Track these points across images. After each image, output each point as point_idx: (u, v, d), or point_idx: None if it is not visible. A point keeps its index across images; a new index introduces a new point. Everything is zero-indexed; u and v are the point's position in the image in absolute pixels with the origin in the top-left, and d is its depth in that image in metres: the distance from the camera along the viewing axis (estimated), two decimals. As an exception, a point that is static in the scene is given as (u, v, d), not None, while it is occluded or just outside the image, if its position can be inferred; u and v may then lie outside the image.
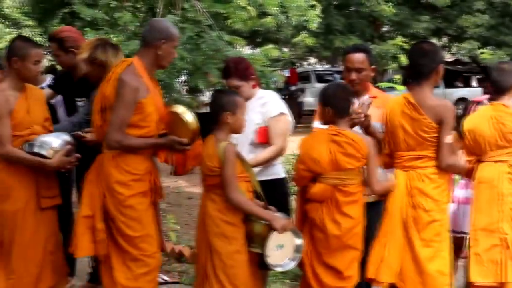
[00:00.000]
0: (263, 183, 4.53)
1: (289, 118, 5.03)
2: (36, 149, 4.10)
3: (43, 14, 16.70)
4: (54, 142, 4.14)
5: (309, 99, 24.83)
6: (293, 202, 5.10)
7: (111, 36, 8.20)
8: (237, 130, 4.20)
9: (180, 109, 4.21)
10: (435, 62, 4.50)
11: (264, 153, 4.88)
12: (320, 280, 4.33)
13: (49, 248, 4.31)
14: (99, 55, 4.60)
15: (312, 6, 9.27)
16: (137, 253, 3.95)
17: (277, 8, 8.87)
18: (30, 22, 16.12)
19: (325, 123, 4.53)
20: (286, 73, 26.32)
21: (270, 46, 27.39)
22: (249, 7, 8.17)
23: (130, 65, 4.01)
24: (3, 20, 17.24)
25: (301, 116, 22.84)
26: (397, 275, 4.29)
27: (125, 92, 3.86)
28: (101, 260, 4.06)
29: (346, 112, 4.46)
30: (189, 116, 4.14)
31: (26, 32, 15.50)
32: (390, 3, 22.51)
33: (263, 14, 9.86)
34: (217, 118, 4.13)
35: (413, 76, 4.53)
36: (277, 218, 4.16)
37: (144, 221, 3.99)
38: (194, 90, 9.98)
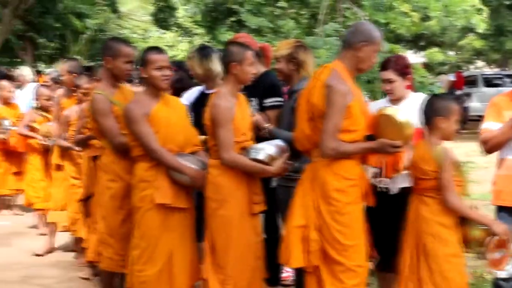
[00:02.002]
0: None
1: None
2: (254, 155, 4.05)
3: (212, 22, 17.65)
4: (270, 149, 4.08)
5: (476, 104, 23.66)
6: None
7: (274, 43, 8.47)
8: (448, 136, 4.07)
9: (390, 110, 4.03)
10: None
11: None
12: None
13: (257, 254, 4.20)
14: (301, 55, 4.61)
15: (479, 10, 8.93)
16: (350, 264, 3.79)
17: (441, 12, 8.66)
18: (200, 30, 17.08)
19: None
20: (452, 77, 25.43)
21: (435, 49, 26.67)
22: (412, 13, 8.06)
23: (333, 70, 3.89)
24: (177, 29, 18.36)
25: (467, 122, 21.93)
26: None
27: (336, 98, 3.76)
28: (309, 272, 3.88)
29: None
30: (402, 117, 3.97)
31: (196, 40, 16.47)
32: None
33: (426, 17, 9.67)
34: (429, 122, 4.03)
35: None
36: (497, 223, 4.03)
37: (357, 229, 3.85)
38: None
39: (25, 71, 9.29)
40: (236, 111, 4.05)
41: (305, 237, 3.80)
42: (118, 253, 4.29)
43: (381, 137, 3.87)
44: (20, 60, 19.30)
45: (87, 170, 4.98)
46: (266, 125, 4.50)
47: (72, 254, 5.96)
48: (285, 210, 4.09)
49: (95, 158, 4.69)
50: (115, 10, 17.40)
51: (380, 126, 3.90)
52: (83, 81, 5.42)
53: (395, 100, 4.41)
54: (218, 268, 4.05)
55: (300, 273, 4.18)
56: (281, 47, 4.67)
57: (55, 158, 5.96)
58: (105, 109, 4.31)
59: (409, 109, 4.23)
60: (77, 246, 5.69)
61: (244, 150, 4.07)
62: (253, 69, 4.21)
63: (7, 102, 7.50)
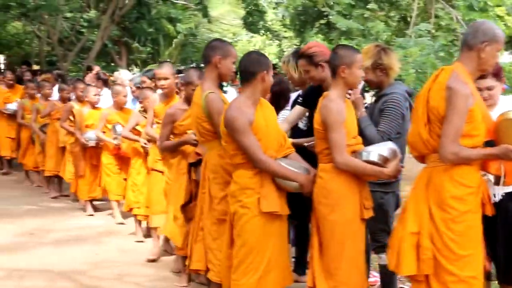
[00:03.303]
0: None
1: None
2: (366, 157, 3.96)
3: (301, 25, 17.67)
4: (383, 151, 3.99)
5: None
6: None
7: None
8: None
9: None
10: None
11: None
12: None
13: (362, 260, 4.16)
14: (384, 59, 4.56)
15: None
16: (463, 275, 3.64)
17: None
18: (288, 34, 17.15)
19: None
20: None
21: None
22: (507, 17, 7.77)
23: (453, 72, 3.72)
24: (266, 33, 18.50)
25: None
26: None
27: (458, 101, 3.61)
28: (418, 280, 3.76)
29: None
30: None
31: (285, 43, 16.56)
32: None
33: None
34: None
35: None
36: None
37: (473, 239, 3.68)
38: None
39: (123, 74, 9.41)
40: (346, 114, 4.00)
41: (418, 244, 3.68)
42: None
43: (503, 142, 3.66)
44: (114, 64, 20.04)
45: (186, 175, 4.88)
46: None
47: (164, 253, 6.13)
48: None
49: (192, 164, 4.68)
50: (205, 15, 17.73)
51: (503, 131, 3.68)
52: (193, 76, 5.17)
53: (490, 106, 4.20)
54: (329, 275, 3.97)
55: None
56: (363, 59, 4.59)
57: (152, 162, 5.95)
58: (221, 107, 4.26)
59: None
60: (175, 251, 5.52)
61: (355, 153, 3.99)
62: (362, 72, 4.15)
63: (120, 107, 7.43)
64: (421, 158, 3.81)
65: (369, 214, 4.08)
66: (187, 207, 4.76)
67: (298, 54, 5.07)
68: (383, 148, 4.00)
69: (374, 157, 3.93)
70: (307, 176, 4.01)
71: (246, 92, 4.04)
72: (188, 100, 5.07)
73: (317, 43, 5.39)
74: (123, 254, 6.29)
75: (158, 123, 5.91)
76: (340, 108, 3.96)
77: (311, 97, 4.72)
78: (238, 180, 4.01)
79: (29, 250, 6.37)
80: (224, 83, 7.98)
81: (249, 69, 4.03)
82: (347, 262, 3.95)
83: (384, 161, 3.95)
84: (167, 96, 5.86)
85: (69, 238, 6.90)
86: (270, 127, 4.06)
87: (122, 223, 7.51)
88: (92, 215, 8.04)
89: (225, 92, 6.34)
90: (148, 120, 6.05)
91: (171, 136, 5.19)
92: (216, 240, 4.31)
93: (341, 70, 4.02)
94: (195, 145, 4.75)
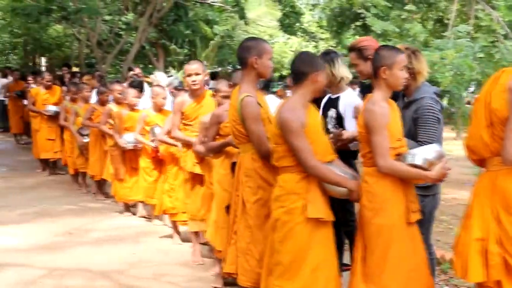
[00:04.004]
0: None
1: None
2: (410, 160, 3.88)
3: (338, 27, 17.62)
4: (428, 154, 3.90)
5: None
6: None
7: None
8: None
9: None
10: None
11: None
12: None
13: (413, 266, 4.02)
14: (414, 63, 4.45)
15: None
16: None
17: None
18: (325, 35, 17.11)
19: None
20: None
21: None
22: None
23: None
24: (302, 34, 18.49)
25: None
26: None
27: None
28: (489, 287, 3.67)
29: None
30: None
31: (321, 45, 16.52)
32: None
33: None
34: None
35: None
36: None
37: None
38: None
39: (159, 77, 9.36)
40: (390, 116, 3.92)
41: (484, 250, 3.60)
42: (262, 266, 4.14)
43: None
44: (152, 66, 20.26)
45: (229, 175, 4.84)
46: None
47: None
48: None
49: (234, 164, 4.65)
50: (242, 16, 17.80)
51: None
52: (223, 85, 5.29)
53: None
54: (369, 278, 3.92)
55: None
56: None
57: (190, 166, 5.85)
58: (256, 112, 4.25)
59: None
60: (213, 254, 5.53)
61: (400, 156, 3.93)
62: (405, 73, 4.05)
63: (159, 109, 7.25)
64: (481, 162, 3.73)
65: (416, 217, 4.00)
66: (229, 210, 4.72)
67: (349, 47, 5.01)
68: (428, 151, 3.92)
69: (418, 161, 3.86)
70: (357, 182, 3.96)
71: (297, 93, 3.98)
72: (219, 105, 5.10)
73: (369, 37, 5.29)
74: (160, 254, 6.36)
75: (187, 125, 5.90)
76: (383, 110, 3.88)
77: (367, 93, 4.51)
78: (284, 184, 3.94)
79: (69, 250, 6.50)
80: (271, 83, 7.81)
81: (300, 70, 3.98)
82: (391, 267, 3.88)
83: (429, 164, 3.87)
84: (197, 95, 5.80)
85: (108, 237, 7.02)
86: (319, 131, 4.01)
87: (161, 224, 7.57)
88: (130, 215, 8.13)
89: (272, 92, 6.16)
90: (174, 123, 5.97)
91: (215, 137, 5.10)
92: (249, 245, 4.28)
93: (382, 71, 3.95)
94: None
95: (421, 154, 3.89)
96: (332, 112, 4.98)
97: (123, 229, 7.47)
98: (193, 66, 5.76)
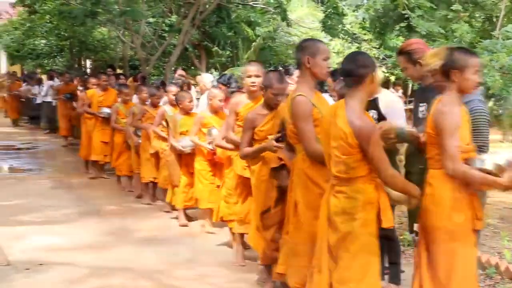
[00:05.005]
0: None
1: None
2: (480, 165, 3.75)
3: (381, 28, 17.42)
4: (499, 159, 3.74)
5: None
6: None
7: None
8: None
9: None
10: None
11: None
12: None
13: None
14: None
15: None
16: None
17: None
18: (367, 37, 16.91)
19: None
20: None
21: None
22: None
23: None
24: (345, 36, 18.32)
25: None
26: None
27: None
28: None
29: None
30: None
31: (364, 46, 16.34)
32: None
33: None
34: None
35: None
36: None
37: None
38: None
39: (205, 78, 9.18)
40: (462, 119, 3.80)
41: None
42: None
43: None
44: (195, 68, 20.38)
45: (268, 181, 4.76)
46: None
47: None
48: None
49: (275, 169, 4.59)
50: (284, 18, 17.76)
51: None
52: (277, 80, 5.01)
53: None
54: (438, 285, 3.81)
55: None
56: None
57: (240, 170, 5.71)
58: (305, 111, 4.22)
59: None
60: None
61: (468, 161, 3.78)
62: (478, 77, 3.90)
63: (215, 111, 6.98)
64: None
65: (481, 225, 3.88)
66: (267, 214, 4.71)
67: (397, 51, 4.91)
68: (499, 156, 3.78)
69: (489, 166, 3.71)
70: (419, 191, 3.86)
71: (356, 97, 3.83)
72: (267, 105, 5.02)
73: (418, 40, 5.17)
74: (202, 255, 6.37)
75: (242, 126, 5.61)
76: (455, 114, 3.76)
77: (426, 94, 4.55)
78: (358, 195, 3.80)
79: (112, 249, 6.57)
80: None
81: (357, 73, 3.84)
82: (459, 274, 3.76)
83: (500, 170, 3.70)
84: (254, 97, 5.64)
85: (150, 238, 7.07)
86: None
87: (212, 233, 7.27)
88: (186, 225, 7.71)
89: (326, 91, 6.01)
90: (229, 124, 5.85)
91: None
92: (298, 246, 4.25)
93: (453, 74, 3.83)
94: (275, 151, 4.66)
95: (492, 159, 3.75)
96: (373, 113, 4.90)
97: (166, 229, 7.52)
98: (254, 68, 5.68)
